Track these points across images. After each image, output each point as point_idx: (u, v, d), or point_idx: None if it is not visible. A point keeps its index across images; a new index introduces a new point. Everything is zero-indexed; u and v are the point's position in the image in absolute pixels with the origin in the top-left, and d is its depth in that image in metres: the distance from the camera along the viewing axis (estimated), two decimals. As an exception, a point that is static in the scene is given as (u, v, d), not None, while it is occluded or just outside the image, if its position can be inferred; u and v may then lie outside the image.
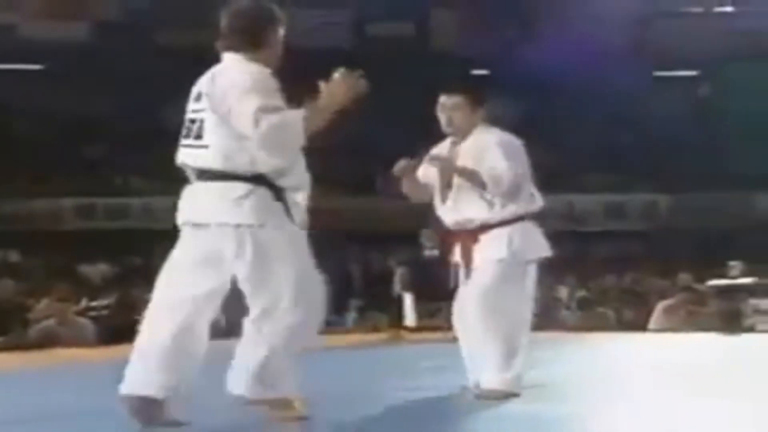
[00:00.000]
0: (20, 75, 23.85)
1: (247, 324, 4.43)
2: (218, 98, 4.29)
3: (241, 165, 4.27)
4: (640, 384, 6.45)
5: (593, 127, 22.37)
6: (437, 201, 5.60)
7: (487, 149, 5.37)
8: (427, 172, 5.56)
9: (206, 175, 4.35)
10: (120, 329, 12.71)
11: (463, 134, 5.50)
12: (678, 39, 24.80)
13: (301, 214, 4.39)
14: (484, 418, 4.68)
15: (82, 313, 12.88)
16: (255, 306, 4.38)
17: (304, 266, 4.35)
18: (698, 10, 25.70)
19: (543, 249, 5.49)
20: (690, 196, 22.51)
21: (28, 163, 21.89)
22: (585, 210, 22.98)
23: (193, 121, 4.42)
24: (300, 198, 4.40)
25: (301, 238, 4.37)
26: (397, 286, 13.86)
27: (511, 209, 5.37)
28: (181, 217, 4.45)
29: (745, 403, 5.25)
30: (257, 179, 4.28)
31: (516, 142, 5.47)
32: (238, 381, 4.39)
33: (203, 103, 4.37)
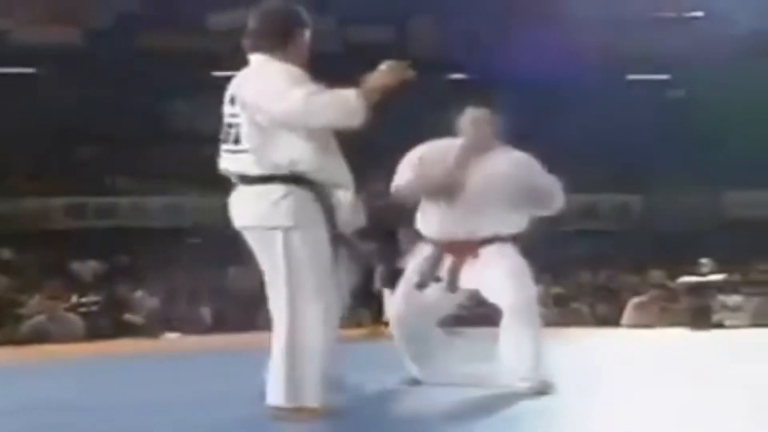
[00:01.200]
0: (13, 78, 23.74)
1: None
2: (252, 100, 4.24)
3: (279, 166, 4.21)
4: (614, 377, 6.46)
5: (567, 129, 22.37)
6: (430, 209, 5.49)
7: (529, 165, 5.54)
8: (428, 175, 5.43)
9: (247, 179, 4.30)
10: (108, 325, 12.77)
11: (486, 147, 5.47)
12: (650, 43, 24.85)
13: (346, 212, 4.33)
14: (464, 410, 4.66)
15: (72, 309, 12.85)
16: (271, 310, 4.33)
17: (324, 272, 4.29)
18: (670, 15, 25.75)
19: None
20: (661, 196, 22.57)
21: (19, 164, 21.80)
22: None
23: (230, 125, 4.36)
24: (343, 196, 4.33)
25: (324, 243, 4.29)
26: (377, 283, 13.85)
27: (524, 224, 5.42)
28: (235, 222, 4.43)
29: (712, 393, 5.27)
30: (296, 179, 4.22)
31: None
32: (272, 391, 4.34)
33: (237, 107, 4.31)
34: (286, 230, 4.20)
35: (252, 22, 4.44)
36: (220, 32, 24.60)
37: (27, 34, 24.05)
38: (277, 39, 4.37)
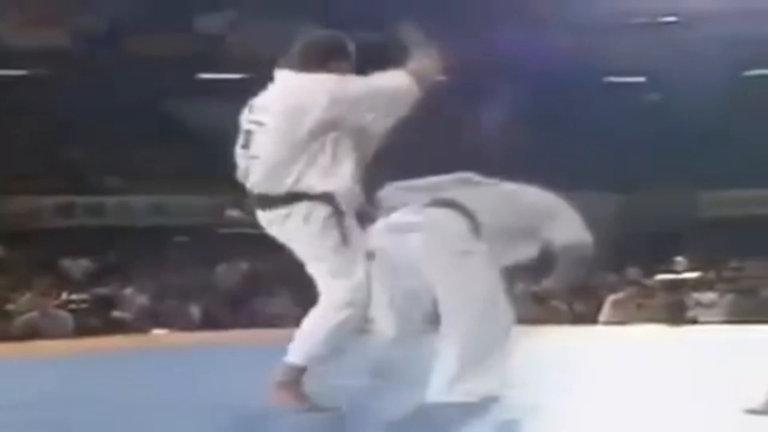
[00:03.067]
0: (4, 80, 23.67)
1: None
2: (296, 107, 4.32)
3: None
4: (592, 372, 6.48)
5: (546, 130, 22.43)
6: None
7: None
8: None
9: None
10: (98, 322, 12.74)
11: None
12: (626, 47, 24.93)
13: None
14: (441, 404, 4.62)
15: (62, 306, 12.81)
16: None
17: None
18: (644, 20, 25.84)
19: None
20: (637, 196, 22.64)
21: (9, 163, 21.71)
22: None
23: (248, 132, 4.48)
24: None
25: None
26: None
27: None
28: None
29: (687, 387, 5.30)
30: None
31: None
32: None
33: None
34: None
35: (296, 46, 4.51)
36: (206, 35, 24.63)
37: (18, 37, 23.98)
38: (314, 63, 4.42)
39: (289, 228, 4.31)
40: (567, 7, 24.20)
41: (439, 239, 4.48)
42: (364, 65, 4.59)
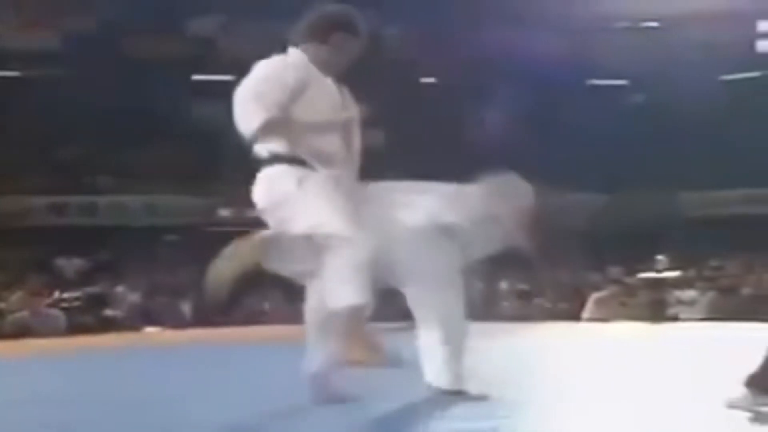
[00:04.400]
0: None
1: None
2: None
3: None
4: (575, 367, 6.49)
5: (531, 130, 22.44)
6: None
7: None
8: None
9: None
10: (90, 320, 12.71)
11: None
12: (609, 50, 25.00)
13: None
14: (423, 398, 4.59)
15: (54, 304, 12.77)
16: None
17: None
18: (626, 24, 25.91)
19: None
20: (620, 196, 22.67)
21: (2, 163, 21.63)
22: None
23: None
24: None
25: None
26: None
27: None
28: None
29: (667, 382, 5.31)
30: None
31: None
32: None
33: None
34: None
35: (303, 20, 4.54)
36: (198, 38, 24.60)
37: (13, 38, 23.92)
38: (311, 32, 4.47)
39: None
40: (552, 11, 24.24)
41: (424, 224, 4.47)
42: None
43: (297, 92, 4.32)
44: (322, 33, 4.46)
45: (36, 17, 24.34)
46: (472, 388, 4.48)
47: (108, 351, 9.10)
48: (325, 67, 4.47)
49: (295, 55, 4.48)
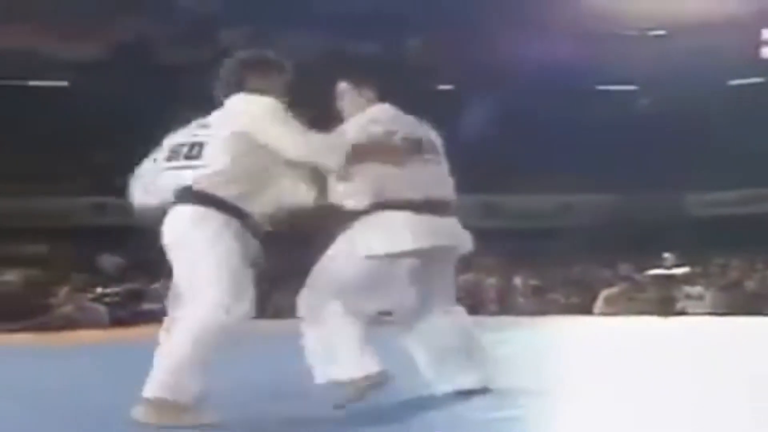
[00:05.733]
0: (45, 90, 23.82)
1: None
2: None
3: None
4: (587, 360, 6.46)
5: (545, 136, 22.38)
6: None
7: None
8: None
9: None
10: (129, 313, 12.77)
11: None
12: (618, 57, 24.92)
13: None
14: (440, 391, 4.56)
15: (96, 299, 12.86)
16: None
17: None
18: (635, 32, 25.81)
19: None
20: (630, 196, 22.60)
21: (49, 167, 21.79)
22: (538, 208, 23.14)
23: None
24: None
25: None
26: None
27: None
28: None
29: (675, 373, 5.29)
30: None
31: None
32: None
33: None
34: None
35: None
36: (232, 47, 24.70)
37: (58, 50, 24.14)
38: (227, 83, 4.23)
39: None
40: (564, 20, 24.19)
41: None
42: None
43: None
44: (235, 79, 4.20)
45: (80, 29, 24.51)
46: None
47: (145, 342, 9.12)
48: None
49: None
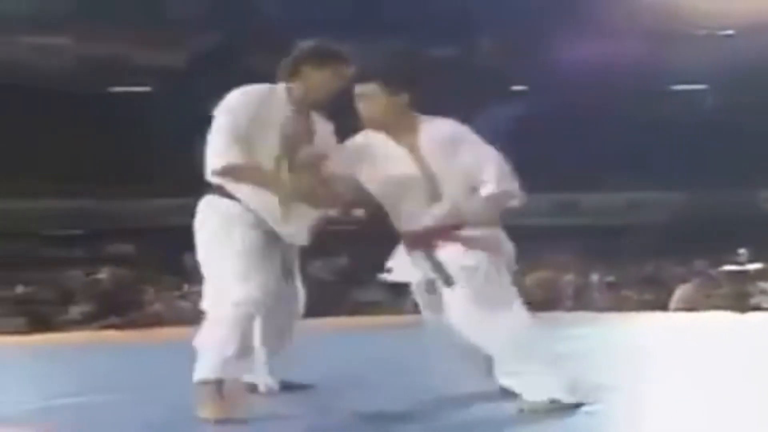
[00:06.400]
0: (130, 96, 24.23)
1: None
2: None
3: None
4: (663, 353, 6.36)
5: (619, 134, 22.18)
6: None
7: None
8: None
9: None
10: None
11: (385, 125, 4.07)
12: (689, 57, 24.61)
13: None
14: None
15: (183, 297, 13.03)
16: None
17: None
18: (703, 32, 25.44)
19: None
20: (703, 194, 22.39)
21: (136, 169, 22.15)
22: (612, 206, 22.99)
23: None
24: None
25: None
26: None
27: None
28: None
29: (751, 367, 5.18)
30: None
31: None
32: None
33: None
34: None
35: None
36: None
37: (141, 56, 24.55)
38: (283, 75, 4.22)
39: None
40: (636, 22, 23.94)
41: None
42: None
43: (251, 129, 4.13)
44: (289, 69, 4.17)
45: (162, 36, 24.90)
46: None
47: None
48: (301, 103, 4.14)
49: (269, 91, 4.25)
